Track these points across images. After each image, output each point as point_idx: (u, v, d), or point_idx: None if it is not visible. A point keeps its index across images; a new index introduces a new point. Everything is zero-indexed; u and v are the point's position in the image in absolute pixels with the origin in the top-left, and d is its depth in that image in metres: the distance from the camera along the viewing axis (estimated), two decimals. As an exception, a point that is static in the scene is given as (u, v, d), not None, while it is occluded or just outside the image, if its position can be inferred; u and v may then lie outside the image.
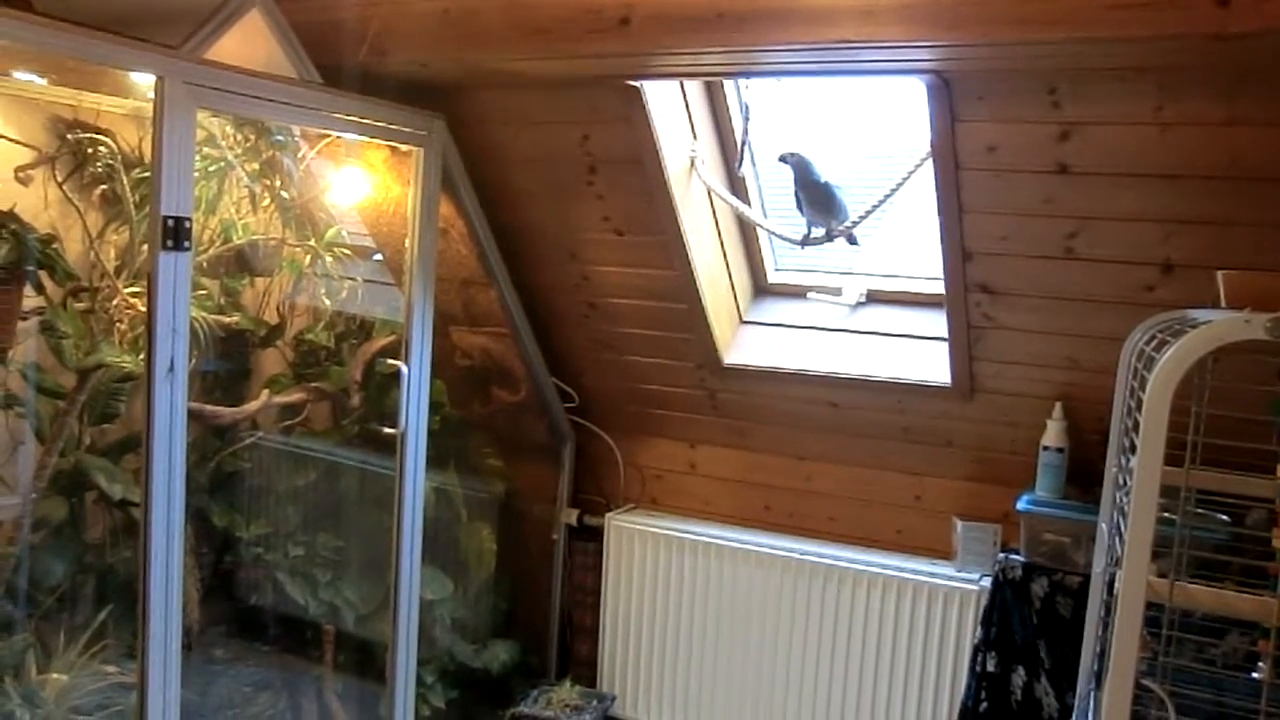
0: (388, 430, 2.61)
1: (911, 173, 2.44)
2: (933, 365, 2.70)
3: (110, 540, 2.46)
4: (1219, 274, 1.67)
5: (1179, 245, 2.18)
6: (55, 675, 2.13)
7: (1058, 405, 2.54)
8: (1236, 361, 1.35)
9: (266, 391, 2.77)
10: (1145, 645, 1.26)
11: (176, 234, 1.93)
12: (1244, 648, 1.83)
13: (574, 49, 2.17)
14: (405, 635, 2.66)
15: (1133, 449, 1.34)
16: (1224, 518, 1.73)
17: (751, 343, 2.98)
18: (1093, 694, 1.68)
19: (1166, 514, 1.29)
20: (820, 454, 3.01)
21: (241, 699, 2.76)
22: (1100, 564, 1.85)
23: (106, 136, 2.41)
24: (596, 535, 3.21)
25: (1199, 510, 1.60)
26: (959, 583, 2.70)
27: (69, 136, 2.33)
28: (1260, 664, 1.46)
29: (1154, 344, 1.45)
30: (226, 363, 2.81)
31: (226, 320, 2.61)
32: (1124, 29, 1.70)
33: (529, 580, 3.32)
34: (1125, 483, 1.45)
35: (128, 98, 2.44)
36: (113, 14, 2.00)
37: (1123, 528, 1.35)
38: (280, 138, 2.58)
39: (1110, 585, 1.57)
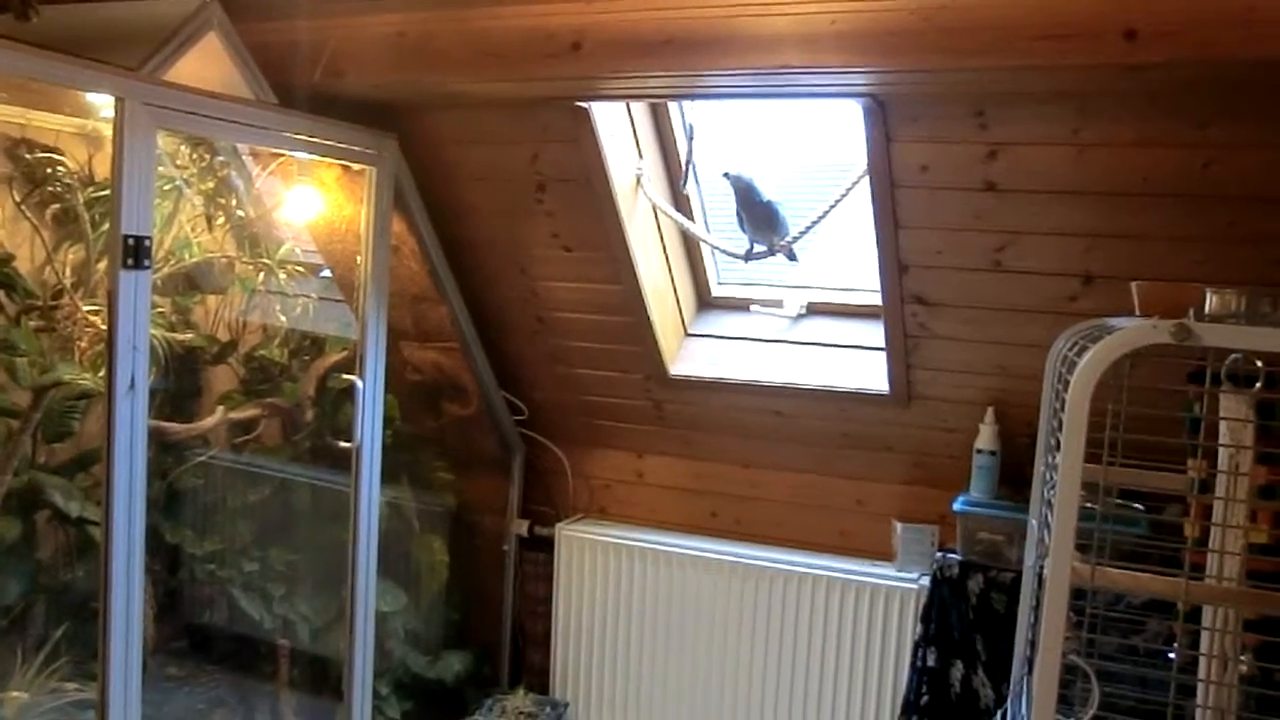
0: (343, 444, 2.64)
1: (849, 190, 2.54)
2: (871, 374, 2.80)
3: (64, 558, 2.46)
4: (1133, 285, 1.80)
5: (1098, 258, 2.31)
6: (14, 693, 2.13)
7: (989, 410, 2.66)
8: (1158, 365, 1.47)
9: (221, 408, 2.79)
10: (1070, 627, 1.37)
11: (137, 253, 1.96)
12: (1164, 633, 1.96)
13: (527, 72, 2.24)
14: (362, 648, 2.69)
15: (1059, 448, 1.45)
16: (1138, 507, 1.86)
17: (696, 354, 3.06)
18: (1025, 679, 1.79)
19: (1089, 505, 1.40)
20: (765, 462, 3.10)
21: (196, 717, 2.76)
22: (1031, 558, 1.96)
23: (59, 155, 2.42)
24: (547, 545, 3.26)
25: (1120, 501, 1.72)
26: (899, 582, 2.81)
27: (27, 156, 2.34)
28: (1175, 644, 1.58)
29: (1076, 350, 1.56)
30: (178, 380, 2.82)
31: (182, 338, 2.63)
32: (1041, 58, 1.83)
33: (481, 591, 3.37)
34: (1052, 479, 1.55)
35: (77, 116, 2.46)
36: (69, 35, 2.03)
37: (1050, 521, 1.46)
38: (222, 158, 2.62)
39: (1040, 577, 1.67)
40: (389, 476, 2.80)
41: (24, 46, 1.77)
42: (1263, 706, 1.54)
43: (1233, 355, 1.45)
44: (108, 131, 1.93)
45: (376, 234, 2.59)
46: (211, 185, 2.57)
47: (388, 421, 2.76)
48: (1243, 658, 1.53)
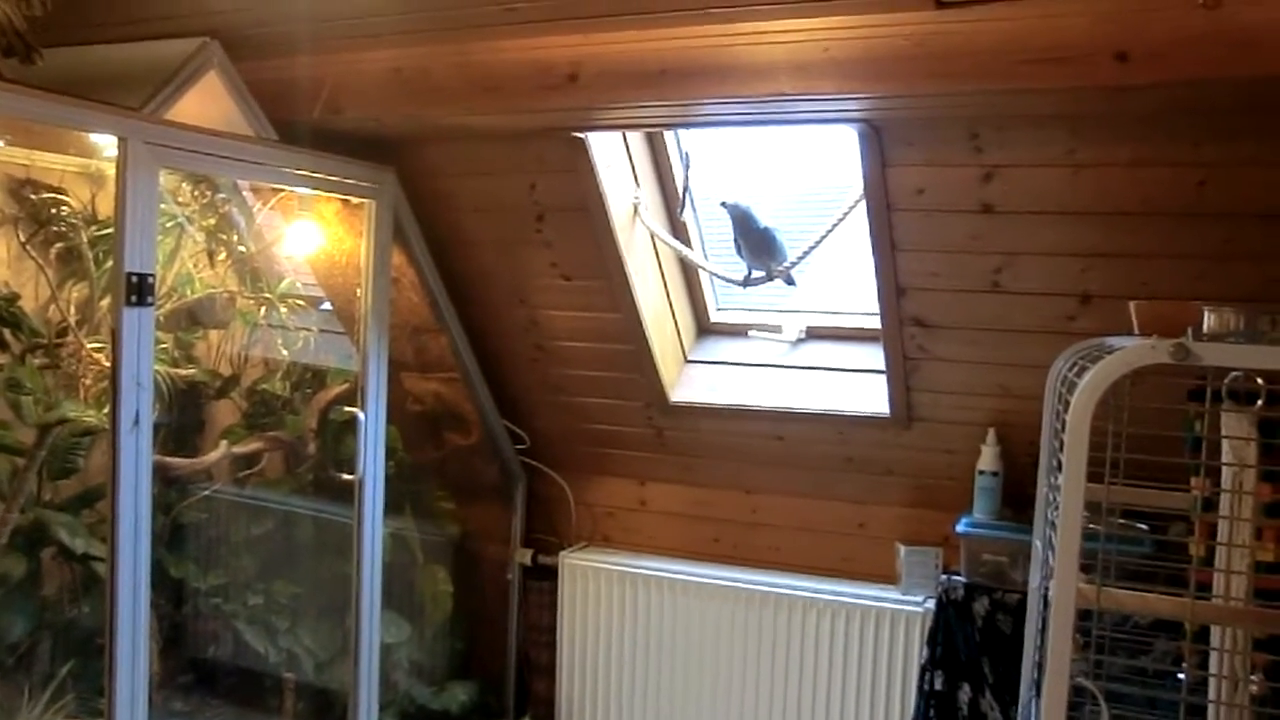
0: (345, 476, 2.64)
1: (846, 214, 2.56)
2: (872, 397, 2.80)
3: (69, 595, 2.46)
4: (1130, 304, 1.81)
5: (1096, 277, 2.32)
6: (20, 731, 2.13)
7: (991, 431, 2.66)
8: (1158, 383, 1.47)
9: (224, 442, 2.79)
10: (1077, 648, 1.37)
11: (140, 290, 1.98)
12: (1172, 653, 1.95)
13: (524, 104, 2.26)
14: (366, 680, 2.68)
15: (1061, 468, 1.45)
16: (1143, 526, 1.86)
17: (696, 381, 3.06)
18: (1033, 701, 1.79)
19: (1093, 525, 1.40)
20: (766, 486, 3.09)
21: (201, 753, 2.75)
22: (1035, 579, 1.96)
23: (63, 195, 2.44)
24: (550, 574, 3.25)
25: (1123, 521, 1.72)
26: (904, 605, 2.79)
27: (32, 197, 2.36)
28: (1183, 664, 1.58)
29: (1075, 370, 1.57)
30: (180, 415, 2.83)
31: (185, 373, 2.64)
32: (1035, 81, 1.85)
33: (485, 620, 3.35)
34: (1055, 500, 1.55)
35: (81, 156, 2.48)
36: (72, 77, 2.05)
37: (1054, 542, 1.46)
38: (223, 195, 2.64)
39: (1045, 598, 1.67)
40: (392, 507, 2.80)
41: (29, 89, 1.79)
42: (1273, 726, 1.53)
43: (1233, 373, 1.46)
44: (111, 171, 1.95)
45: (376, 266, 2.61)
46: (213, 221, 2.59)
47: (390, 453, 2.77)
48: (1253, 678, 1.52)
